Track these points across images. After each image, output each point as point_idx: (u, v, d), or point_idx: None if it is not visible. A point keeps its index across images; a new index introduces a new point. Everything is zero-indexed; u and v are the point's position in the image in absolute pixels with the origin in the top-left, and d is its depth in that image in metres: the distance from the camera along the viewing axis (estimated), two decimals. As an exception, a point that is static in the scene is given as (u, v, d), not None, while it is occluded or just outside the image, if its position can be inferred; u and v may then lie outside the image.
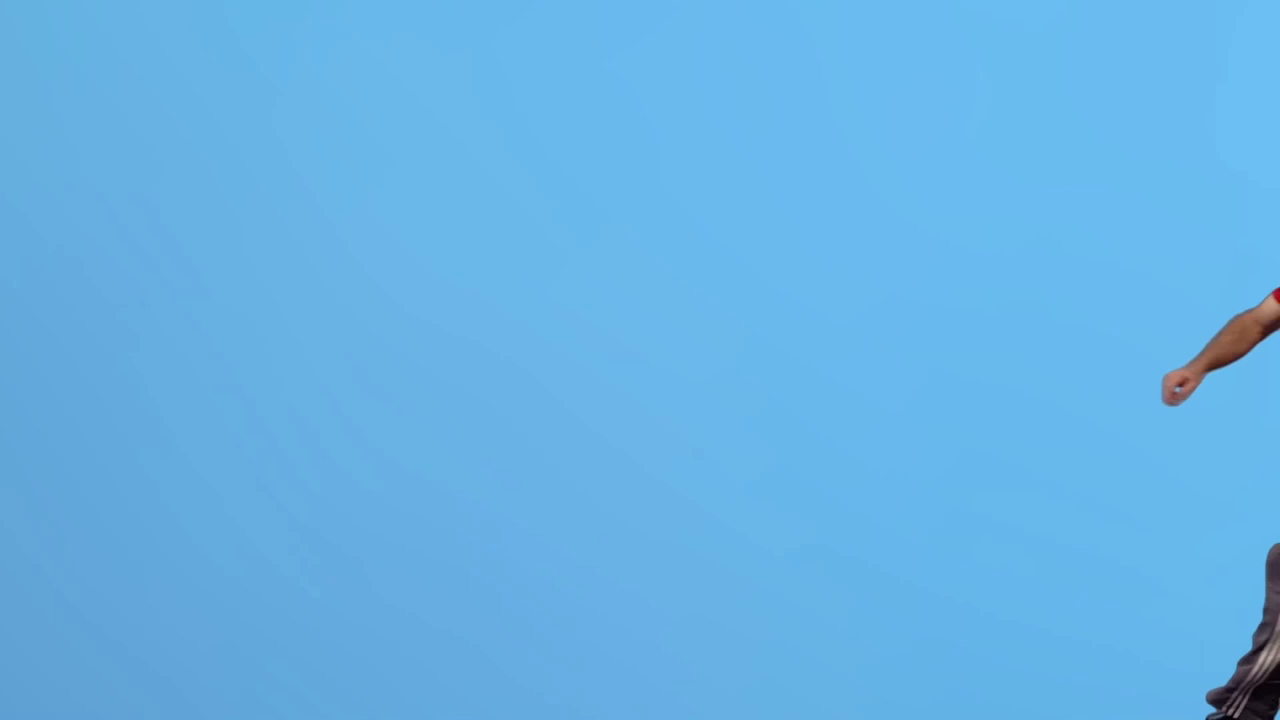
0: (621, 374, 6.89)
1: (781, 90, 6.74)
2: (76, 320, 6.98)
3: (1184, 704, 6.65)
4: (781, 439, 6.58)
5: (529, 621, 6.80)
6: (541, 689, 6.82)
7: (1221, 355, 5.01)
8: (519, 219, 6.87)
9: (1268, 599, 4.62)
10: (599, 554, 6.88)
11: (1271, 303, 5.01)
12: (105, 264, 6.97)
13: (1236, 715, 4.56)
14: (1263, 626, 4.58)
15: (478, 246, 6.85)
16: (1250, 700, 4.59)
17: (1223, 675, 6.61)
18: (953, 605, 6.68)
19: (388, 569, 6.90)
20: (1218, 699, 4.61)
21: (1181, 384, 5.11)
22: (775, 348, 6.51)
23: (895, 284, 6.72)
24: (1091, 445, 6.67)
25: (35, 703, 6.94)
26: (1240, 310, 6.76)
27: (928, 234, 6.70)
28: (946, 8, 6.73)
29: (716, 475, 6.28)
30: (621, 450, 6.91)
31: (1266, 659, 4.56)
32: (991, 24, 6.71)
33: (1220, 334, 4.94)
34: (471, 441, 6.93)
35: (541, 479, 6.93)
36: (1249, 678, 4.54)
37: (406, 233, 6.88)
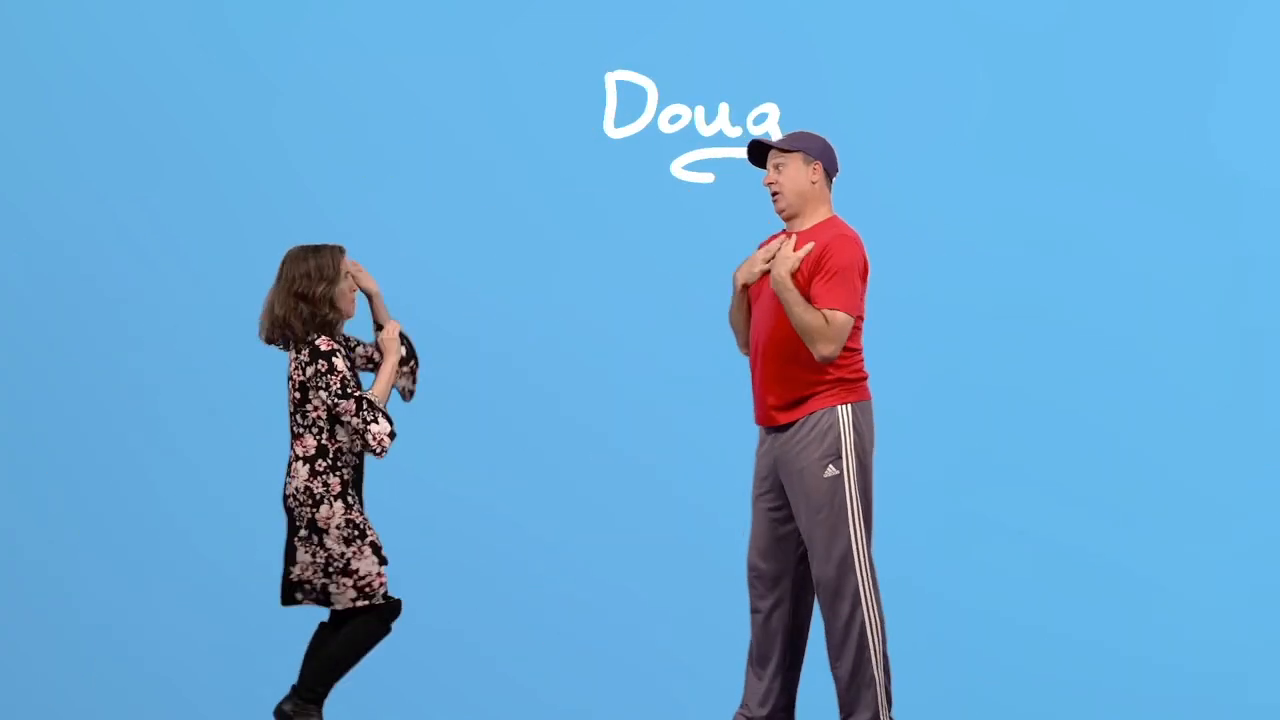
0: (621, 374, 6.90)
1: (780, 90, 6.75)
2: (76, 320, 6.99)
3: (1184, 704, 6.66)
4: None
5: (529, 621, 6.81)
6: (541, 689, 6.81)
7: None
8: (519, 219, 6.88)
9: None
10: (599, 554, 6.88)
11: None
12: (105, 264, 6.97)
13: None
14: None
15: (477, 247, 6.85)
16: None
17: (1223, 675, 6.62)
18: (953, 605, 6.69)
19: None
20: None
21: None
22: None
23: (894, 284, 6.73)
24: (1091, 445, 6.68)
25: (35, 703, 6.93)
26: (1238, 313, 6.76)
27: (926, 234, 6.70)
28: (946, 8, 6.74)
29: (716, 475, 6.28)
30: (622, 450, 6.91)
31: None
32: (991, 24, 6.71)
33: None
34: (471, 441, 6.93)
35: (542, 478, 6.93)
36: None
37: (407, 233, 6.89)
